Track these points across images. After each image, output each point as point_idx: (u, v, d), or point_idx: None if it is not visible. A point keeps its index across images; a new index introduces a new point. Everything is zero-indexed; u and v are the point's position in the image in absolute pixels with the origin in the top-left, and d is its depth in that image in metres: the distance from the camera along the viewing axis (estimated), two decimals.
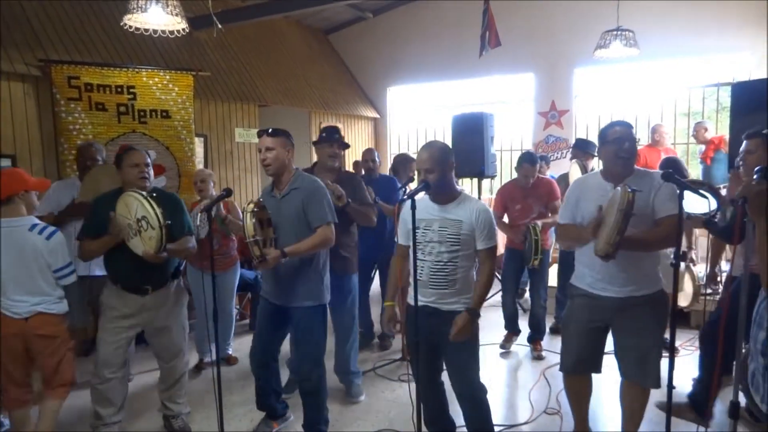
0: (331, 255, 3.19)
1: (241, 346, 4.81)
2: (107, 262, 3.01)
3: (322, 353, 3.03)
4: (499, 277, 4.63)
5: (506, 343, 4.58)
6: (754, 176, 1.47)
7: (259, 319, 3.10)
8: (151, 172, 2.98)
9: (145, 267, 2.84)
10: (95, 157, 3.90)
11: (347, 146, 3.66)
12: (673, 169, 2.36)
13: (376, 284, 4.90)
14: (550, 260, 4.78)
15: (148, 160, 2.97)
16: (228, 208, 3.97)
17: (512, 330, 4.63)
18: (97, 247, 2.89)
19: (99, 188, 3.35)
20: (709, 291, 4.55)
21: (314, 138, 5.20)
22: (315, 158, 3.81)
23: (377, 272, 4.88)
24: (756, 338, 1.55)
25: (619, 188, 2.33)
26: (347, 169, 8.38)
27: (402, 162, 4.81)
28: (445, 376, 2.69)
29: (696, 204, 3.33)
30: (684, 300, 4.21)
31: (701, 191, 2.31)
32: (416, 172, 2.56)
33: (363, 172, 4.82)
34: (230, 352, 4.50)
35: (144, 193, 2.80)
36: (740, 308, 1.85)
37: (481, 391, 2.59)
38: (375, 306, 4.97)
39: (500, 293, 4.66)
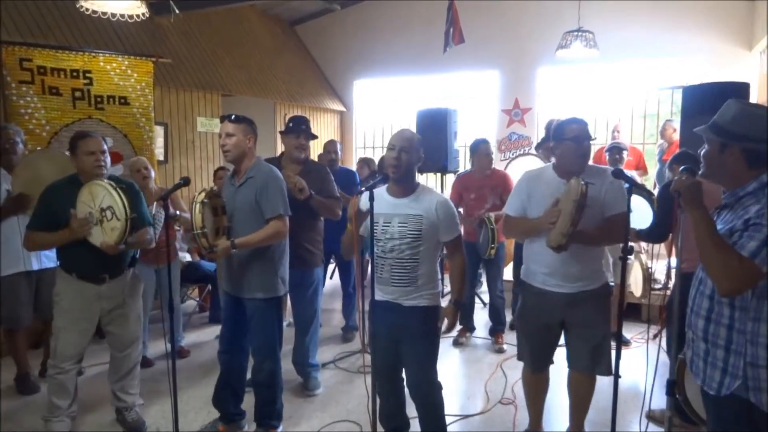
0: (296, 248, 3.16)
1: (200, 338, 4.75)
2: (61, 252, 2.93)
3: (276, 346, 2.98)
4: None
5: (460, 338, 4.59)
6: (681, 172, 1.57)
7: (223, 309, 3.08)
8: (108, 160, 2.89)
9: (102, 255, 2.79)
10: (13, 140, 3.56)
11: (314, 137, 3.57)
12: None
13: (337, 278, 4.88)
14: (505, 255, 4.84)
15: (105, 147, 2.87)
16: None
17: (466, 326, 4.66)
18: (54, 240, 2.83)
19: (40, 176, 3.15)
20: (658, 286, 4.71)
21: (280, 129, 5.15)
22: (281, 149, 3.75)
23: (335, 266, 4.84)
24: (696, 326, 1.64)
25: (572, 181, 2.38)
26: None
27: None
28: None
29: (638, 219, 3.49)
30: (635, 288, 4.32)
31: (643, 191, 2.41)
32: (390, 147, 2.44)
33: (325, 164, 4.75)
34: (182, 345, 4.41)
35: (113, 182, 2.73)
36: (673, 301, 1.94)
37: (436, 387, 2.59)
38: (335, 300, 4.98)
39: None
